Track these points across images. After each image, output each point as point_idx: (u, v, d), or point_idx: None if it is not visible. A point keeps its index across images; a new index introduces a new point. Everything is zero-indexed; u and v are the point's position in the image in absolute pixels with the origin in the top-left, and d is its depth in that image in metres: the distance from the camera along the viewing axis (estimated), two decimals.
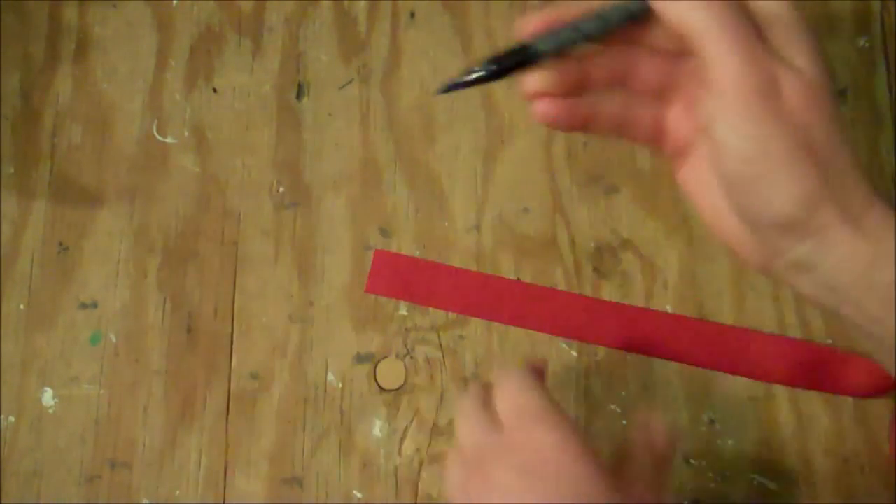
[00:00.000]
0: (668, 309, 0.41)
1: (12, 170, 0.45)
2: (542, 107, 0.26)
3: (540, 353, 0.41)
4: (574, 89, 0.26)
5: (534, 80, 0.26)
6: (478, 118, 0.44)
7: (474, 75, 0.26)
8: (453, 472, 0.30)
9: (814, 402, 0.40)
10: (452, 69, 0.45)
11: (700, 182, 0.27)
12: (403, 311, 0.42)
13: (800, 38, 0.25)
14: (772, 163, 0.24)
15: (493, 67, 0.26)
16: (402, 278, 0.42)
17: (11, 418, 0.42)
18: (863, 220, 0.24)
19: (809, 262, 0.25)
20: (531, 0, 0.45)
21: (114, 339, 0.43)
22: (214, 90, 0.46)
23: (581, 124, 0.27)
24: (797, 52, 0.25)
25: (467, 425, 0.30)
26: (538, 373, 0.32)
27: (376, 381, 0.41)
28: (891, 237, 0.24)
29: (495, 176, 0.44)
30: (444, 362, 0.41)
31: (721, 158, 0.24)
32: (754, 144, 0.24)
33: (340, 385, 0.41)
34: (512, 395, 0.30)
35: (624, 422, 0.40)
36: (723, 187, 0.26)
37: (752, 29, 0.24)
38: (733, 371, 0.41)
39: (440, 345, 0.41)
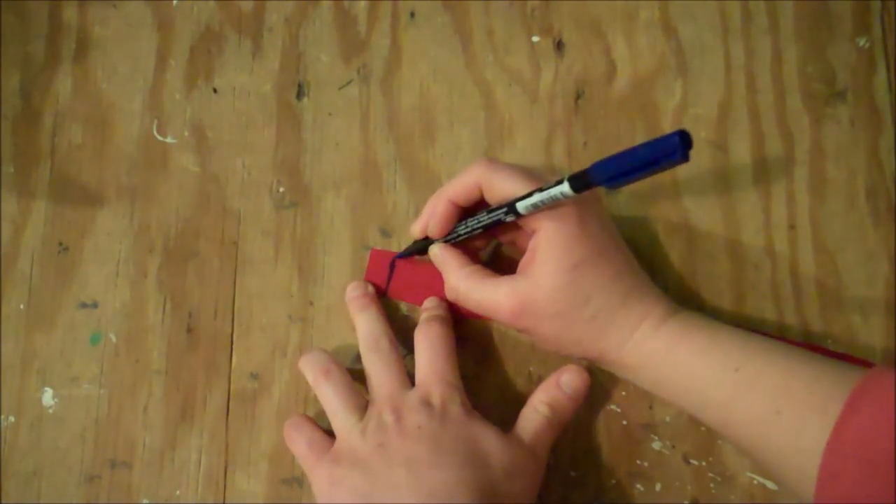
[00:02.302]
0: None
1: (12, 170, 0.45)
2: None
3: (540, 353, 0.41)
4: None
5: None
6: (478, 118, 0.44)
7: (410, 249, 0.41)
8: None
9: None
10: (452, 69, 0.45)
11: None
12: (404, 311, 0.42)
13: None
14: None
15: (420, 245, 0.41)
16: (400, 277, 0.42)
17: (11, 418, 0.42)
18: (621, 349, 0.36)
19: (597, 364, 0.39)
20: (531, 0, 0.45)
21: (114, 339, 0.43)
22: (214, 90, 0.46)
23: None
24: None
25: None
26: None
27: None
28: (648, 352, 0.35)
29: None
30: None
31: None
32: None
33: None
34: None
35: (624, 422, 0.40)
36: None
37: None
38: None
39: None
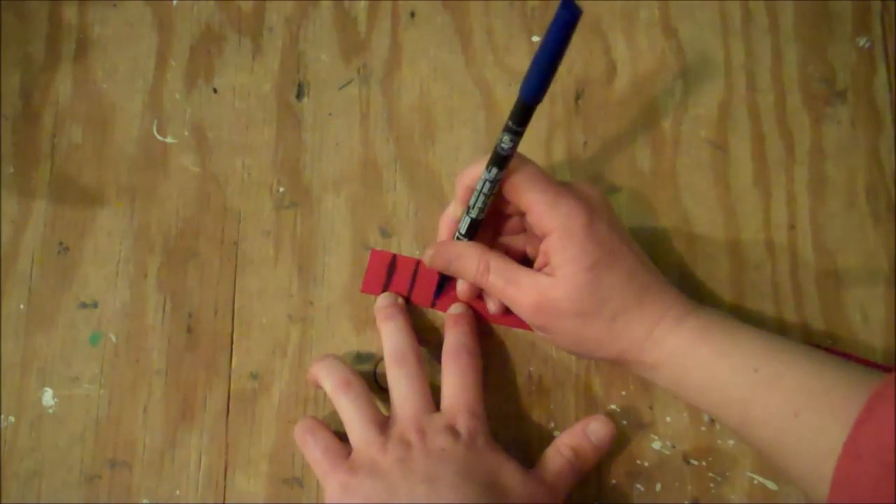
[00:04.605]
0: None
1: (12, 170, 0.45)
2: None
3: (540, 353, 0.41)
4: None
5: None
6: (478, 118, 0.44)
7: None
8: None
9: None
10: (453, 69, 0.45)
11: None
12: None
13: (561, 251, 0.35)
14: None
15: None
16: (399, 278, 0.42)
17: (11, 418, 0.42)
18: (641, 349, 0.36)
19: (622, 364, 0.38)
20: (531, 0, 0.45)
21: (114, 339, 0.43)
22: (214, 90, 0.46)
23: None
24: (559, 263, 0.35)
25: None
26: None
27: (376, 381, 0.41)
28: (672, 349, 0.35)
29: None
30: None
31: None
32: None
33: None
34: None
35: (624, 422, 0.40)
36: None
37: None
38: None
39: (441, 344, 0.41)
